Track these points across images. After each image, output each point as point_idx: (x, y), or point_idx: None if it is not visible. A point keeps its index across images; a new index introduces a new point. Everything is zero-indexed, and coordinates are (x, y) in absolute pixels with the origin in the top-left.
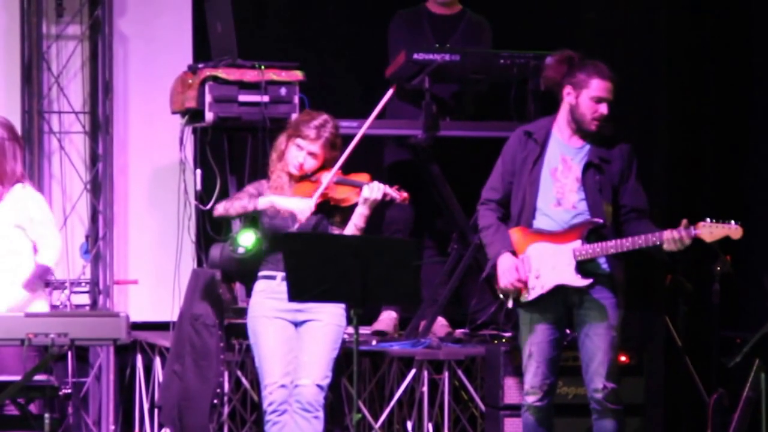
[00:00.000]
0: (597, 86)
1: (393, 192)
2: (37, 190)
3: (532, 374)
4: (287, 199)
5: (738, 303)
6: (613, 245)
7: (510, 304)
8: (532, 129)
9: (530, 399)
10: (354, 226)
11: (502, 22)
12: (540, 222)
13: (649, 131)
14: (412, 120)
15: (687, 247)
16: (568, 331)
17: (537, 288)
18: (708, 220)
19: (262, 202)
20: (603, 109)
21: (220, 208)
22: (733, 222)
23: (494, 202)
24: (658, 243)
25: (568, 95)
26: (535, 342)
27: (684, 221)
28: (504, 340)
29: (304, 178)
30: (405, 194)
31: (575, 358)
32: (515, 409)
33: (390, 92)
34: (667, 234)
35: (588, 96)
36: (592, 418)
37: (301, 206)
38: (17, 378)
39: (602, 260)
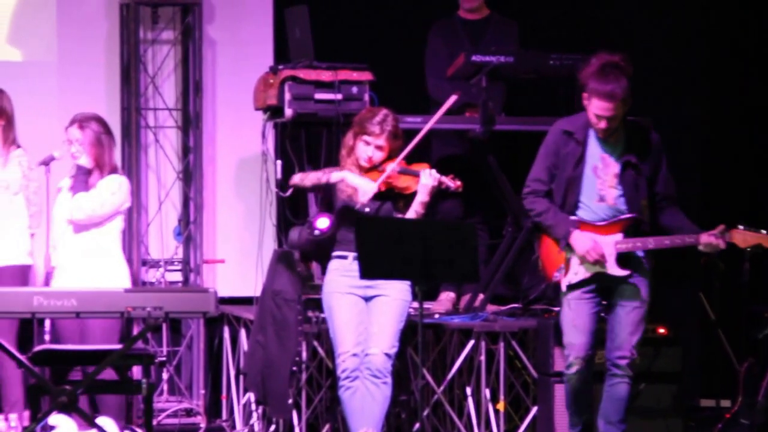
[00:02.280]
0: (596, 105)
1: (448, 180)
2: (129, 180)
3: (576, 346)
4: (357, 177)
5: (766, 281)
6: (652, 242)
7: (568, 280)
8: (572, 128)
9: (572, 369)
10: (414, 211)
11: (536, 23)
12: (582, 214)
13: (686, 124)
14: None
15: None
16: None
17: (580, 273)
18: (741, 227)
19: (335, 176)
20: (602, 124)
21: (296, 178)
22: (764, 231)
23: (542, 192)
24: (694, 244)
25: (584, 101)
26: (576, 316)
27: (721, 227)
28: (553, 314)
29: (371, 168)
30: (459, 182)
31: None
32: (564, 376)
33: (453, 98)
34: (704, 238)
35: (591, 111)
36: (606, 384)
37: (365, 187)
38: (114, 347)
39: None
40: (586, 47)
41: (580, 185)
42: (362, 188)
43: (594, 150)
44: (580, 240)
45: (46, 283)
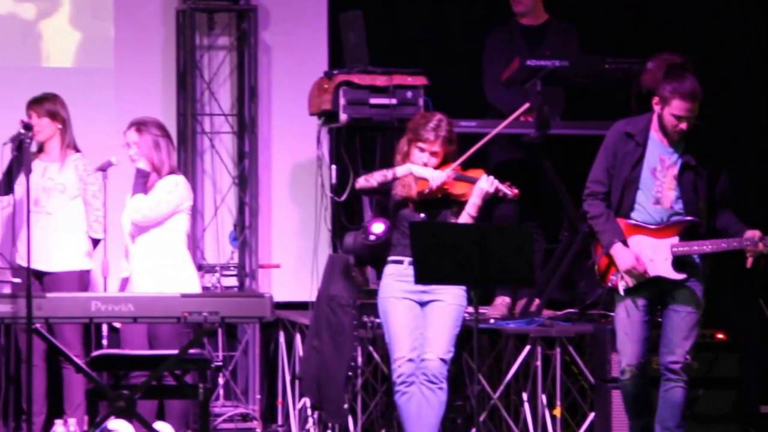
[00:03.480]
0: (677, 106)
1: (504, 188)
2: (185, 180)
3: (627, 354)
4: (423, 168)
5: None
6: (709, 246)
7: (624, 284)
8: (632, 130)
9: (625, 376)
10: (467, 214)
11: (592, 27)
12: (638, 216)
13: (745, 129)
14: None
15: None
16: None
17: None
18: None
19: (401, 170)
20: (683, 125)
21: (361, 181)
22: None
23: (601, 194)
24: (751, 247)
25: (655, 105)
26: (630, 323)
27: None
28: (610, 319)
29: None
30: (516, 190)
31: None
32: None
33: (525, 106)
34: (748, 233)
35: (669, 112)
36: (661, 389)
37: (434, 174)
38: (173, 352)
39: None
40: (644, 51)
41: (637, 187)
42: (431, 176)
43: (653, 152)
44: (622, 256)
45: (121, 290)
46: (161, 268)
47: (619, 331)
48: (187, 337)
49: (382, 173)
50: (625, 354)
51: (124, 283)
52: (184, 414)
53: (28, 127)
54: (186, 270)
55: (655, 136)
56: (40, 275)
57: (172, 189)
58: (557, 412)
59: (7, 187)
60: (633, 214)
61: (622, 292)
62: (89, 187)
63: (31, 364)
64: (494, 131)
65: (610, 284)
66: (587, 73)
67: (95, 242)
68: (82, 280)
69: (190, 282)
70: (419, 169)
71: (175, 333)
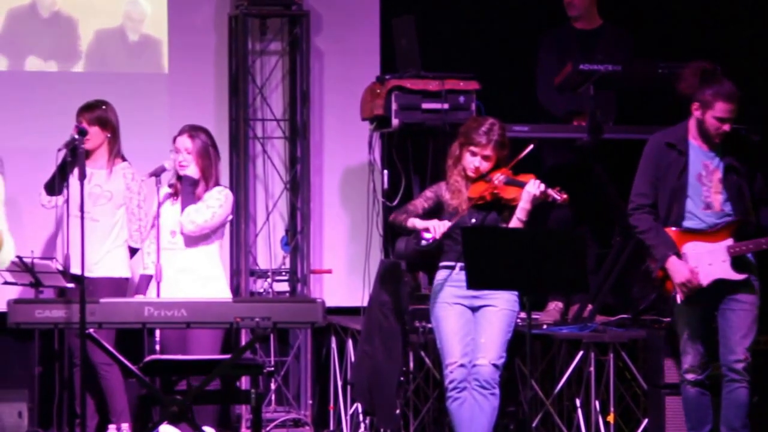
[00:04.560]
0: (721, 108)
1: (554, 193)
2: (231, 193)
3: (691, 355)
4: (423, 222)
5: None
6: (765, 242)
7: (679, 298)
8: (672, 140)
9: (689, 377)
10: (517, 219)
11: (646, 32)
12: (689, 223)
13: None
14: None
15: None
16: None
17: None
18: None
19: (418, 224)
20: (725, 127)
21: (392, 216)
22: None
23: (647, 206)
24: None
25: (696, 110)
26: (692, 325)
27: None
28: (663, 325)
29: (478, 178)
30: (565, 195)
31: None
32: (675, 388)
33: (530, 147)
34: None
35: (712, 116)
36: (724, 390)
37: (435, 225)
38: (223, 357)
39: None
40: (696, 56)
41: (685, 195)
42: (433, 226)
43: (696, 158)
44: (677, 269)
45: (141, 286)
46: (198, 277)
47: (681, 333)
48: (222, 342)
49: (411, 220)
50: (689, 354)
51: (143, 279)
52: (215, 414)
53: (82, 132)
54: (223, 280)
55: (694, 143)
56: (83, 280)
57: (224, 202)
58: (610, 418)
59: (58, 188)
60: (684, 222)
61: (679, 302)
62: (134, 196)
63: (84, 369)
64: (524, 152)
65: (672, 292)
66: (640, 77)
67: (132, 251)
68: (120, 287)
69: (225, 292)
70: (420, 222)
71: (212, 337)
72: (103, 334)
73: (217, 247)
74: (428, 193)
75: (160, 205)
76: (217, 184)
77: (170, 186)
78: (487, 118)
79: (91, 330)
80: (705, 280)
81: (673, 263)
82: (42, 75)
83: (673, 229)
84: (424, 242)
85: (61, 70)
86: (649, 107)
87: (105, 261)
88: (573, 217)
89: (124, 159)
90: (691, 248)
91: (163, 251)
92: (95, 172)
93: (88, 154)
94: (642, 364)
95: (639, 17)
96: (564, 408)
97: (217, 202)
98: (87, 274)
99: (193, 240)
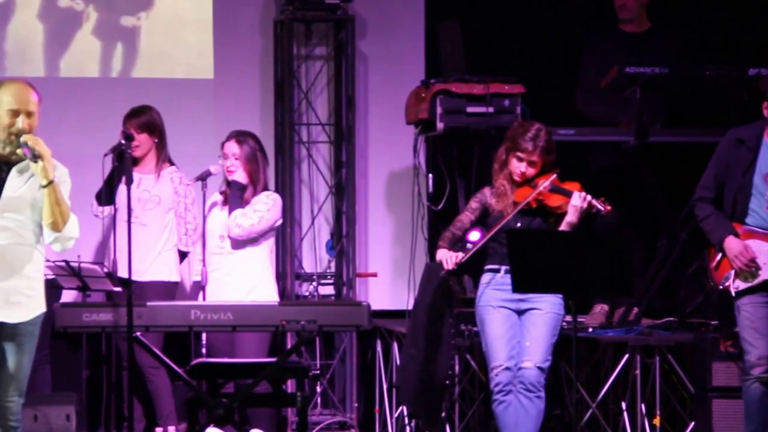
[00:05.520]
0: None
1: (598, 204)
2: (280, 197)
3: (758, 347)
4: (439, 251)
5: None
6: None
7: (736, 286)
8: (745, 136)
9: (757, 370)
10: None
11: (696, 35)
12: (752, 221)
13: None
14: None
15: None
16: None
17: (759, 277)
18: None
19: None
20: None
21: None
22: None
23: (708, 199)
24: None
25: (765, 110)
26: (753, 318)
27: None
28: (711, 328)
29: (524, 183)
30: (609, 207)
31: None
32: (723, 391)
33: (553, 175)
34: None
35: None
36: None
37: (447, 256)
38: (270, 360)
39: None
40: (748, 59)
41: (749, 192)
42: (444, 258)
43: (766, 158)
44: (732, 245)
45: (196, 296)
46: (248, 281)
47: (743, 329)
48: (269, 344)
49: (438, 252)
50: (754, 349)
51: (193, 285)
52: (271, 419)
53: (129, 137)
54: (271, 284)
55: (767, 140)
56: (130, 284)
57: (272, 206)
58: (657, 421)
59: (109, 198)
60: (747, 219)
61: (733, 293)
62: (182, 200)
63: (132, 372)
64: (532, 195)
65: (720, 287)
66: (687, 80)
67: (182, 255)
68: (169, 291)
69: (272, 296)
70: (438, 253)
71: (259, 340)
72: (150, 338)
73: (266, 252)
74: (473, 204)
75: (206, 209)
76: (265, 188)
77: (221, 193)
78: (533, 124)
79: (138, 333)
80: (746, 281)
81: (729, 241)
82: (87, 81)
83: (737, 224)
84: (469, 245)
85: (107, 76)
86: (704, 110)
87: (154, 265)
88: (618, 221)
89: (171, 163)
90: (750, 244)
91: (212, 255)
92: (143, 176)
93: (136, 160)
94: (688, 367)
95: (688, 20)
96: (609, 411)
97: (264, 206)
98: (136, 278)
99: (240, 244)
